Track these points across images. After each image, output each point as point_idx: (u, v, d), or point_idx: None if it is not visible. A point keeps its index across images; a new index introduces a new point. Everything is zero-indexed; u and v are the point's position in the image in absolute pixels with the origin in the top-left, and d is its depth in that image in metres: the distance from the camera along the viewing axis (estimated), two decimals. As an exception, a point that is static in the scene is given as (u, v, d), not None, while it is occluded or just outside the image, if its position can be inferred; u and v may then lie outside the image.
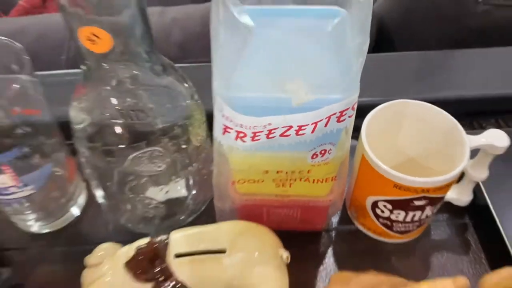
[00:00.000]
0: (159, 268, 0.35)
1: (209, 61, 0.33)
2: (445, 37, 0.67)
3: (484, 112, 0.58)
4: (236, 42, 0.29)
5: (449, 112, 0.53)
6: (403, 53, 0.64)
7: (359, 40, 0.30)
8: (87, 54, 0.34)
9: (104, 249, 0.37)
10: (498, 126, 0.58)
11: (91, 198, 0.51)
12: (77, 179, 0.50)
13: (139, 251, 0.35)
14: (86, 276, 0.37)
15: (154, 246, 0.35)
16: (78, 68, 0.36)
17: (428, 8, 0.66)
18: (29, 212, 0.48)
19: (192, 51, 0.75)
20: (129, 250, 0.36)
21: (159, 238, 0.36)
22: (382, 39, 0.74)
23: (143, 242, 0.36)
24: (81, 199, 0.51)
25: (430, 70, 0.59)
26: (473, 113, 0.58)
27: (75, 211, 0.50)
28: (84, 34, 0.31)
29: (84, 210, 0.51)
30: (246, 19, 0.28)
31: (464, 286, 0.34)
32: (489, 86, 0.58)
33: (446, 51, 0.61)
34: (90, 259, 0.37)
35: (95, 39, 0.32)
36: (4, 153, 0.38)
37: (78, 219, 0.50)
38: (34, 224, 0.49)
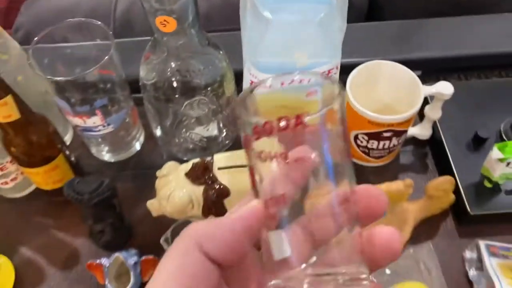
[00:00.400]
0: (208, 176, 0.52)
1: (230, 29, 0.49)
2: (425, 8, 0.82)
3: (448, 69, 0.74)
4: (259, 26, 0.46)
5: (421, 69, 0.69)
6: (385, 22, 0.79)
7: (340, 23, 0.46)
8: (157, 32, 0.50)
9: (169, 165, 0.55)
10: (459, 79, 0.74)
11: (147, 137, 0.68)
12: (138, 123, 0.67)
13: (195, 165, 0.53)
14: (158, 183, 0.55)
15: (205, 162, 0.53)
16: (122, 36, 0.53)
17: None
18: (105, 145, 0.65)
19: (215, 21, 0.91)
20: (187, 165, 0.54)
21: (208, 158, 0.54)
22: (373, 9, 0.89)
23: (196, 160, 0.54)
24: (141, 138, 0.68)
25: (406, 36, 0.74)
26: (439, 70, 0.74)
27: (137, 146, 0.68)
28: (158, 20, 0.48)
29: (143, 146, 0.68)
30: (267, 14, 0.44)
31: (410, 184, 0.52)
32: (452, 48, 0.73)
33: (420, 20, 0.77)
34: (160, 172, 0.55)
35: (166, 24, 0.48)
36: (97, 101, 0.56)
37: (138, 152, 0.68)
38: (106, 155, 0.67)
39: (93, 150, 0.67)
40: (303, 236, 0.23)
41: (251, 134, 0.22)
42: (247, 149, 0.24)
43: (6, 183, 0.60)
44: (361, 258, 0.23)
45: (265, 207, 0.23)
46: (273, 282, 0.23)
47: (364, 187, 0.24)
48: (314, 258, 0.22)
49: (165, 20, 0.48)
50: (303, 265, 0.22)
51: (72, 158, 0.61)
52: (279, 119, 0.21)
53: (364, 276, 0.22)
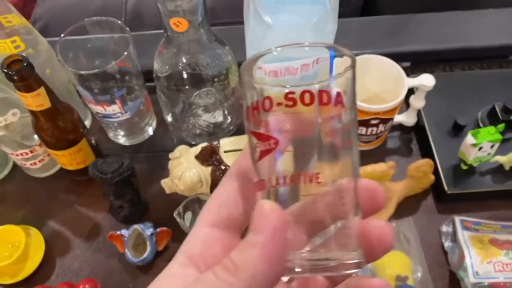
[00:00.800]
0: (215, 158, 0.60)
1: (234, 22, 0.55)
2: (417, 2, 0.88)
3: (435, 60, 0.80)
4: (260, 28, 0.52)
5: (410, 61, 0.75)
6: (377, 17, 0.85)
7: (332, 25, 0.53)
8: (170, 31, 0.57)
9: (181, 148, 0.62)
10: (445, 70, 0.80)
11: (159, 123, 0.75)
12: (151, 111, 0.74)
13: (203, 149, 0.60)
14: (171, 164, 0.62)
15: (212, 146, 0.60)
16: (133, 29, 0.59)
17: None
18: (121, 130, 0.73)
19: (219, 14, 0.97)
20: (197, 148, 0.61)
21: (215, 142, 0.61)
22: (368, 3, 0.95)
23: (204, 144, 0.61)
24: (154, 124, 0.75)
25: (396, 30, 0.80)
26: (427, 61, 0.80)
27: (150, 131, 0.75)
28: (172, 21, 0.54)
29: (155, 131, 0.75)
30: (267, 19, 0.51)
31: (392, 166, 0.59)
32: (438, 42, 0.80)
33: (410, 15, 0.83)
34: (173, 155, 0.62)
35: (179, 24, 0.55)
36: (116, 91, 0.62)
37: (151, 136, 0.75)
38: (122, 138, 0.74)
39: (110, 135, 0.74)
40: (299, 222, 0.23)
41: (256, 101, 0.23)
42: (249, 118, 0.24)
43: (35, 163, 0.67)
44: (357, 245, 0.23)
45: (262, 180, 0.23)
46: None
47: (363, 182, 0.25)
48: (310, 244, 0.23)
49: (178, 21, 0.54)
50: (299, 251, 0.23)
51: (93, 141, 0.68)
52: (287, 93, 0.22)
53: (355, 261, 0.22)
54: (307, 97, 0.22)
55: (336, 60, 0.24)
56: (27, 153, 0.65)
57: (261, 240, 0.21)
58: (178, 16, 0.54)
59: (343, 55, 0.23)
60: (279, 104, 0.22)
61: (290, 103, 0.22)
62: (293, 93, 0.22)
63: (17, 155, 0.65)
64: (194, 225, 0.26)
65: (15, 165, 0.72)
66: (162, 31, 0.78)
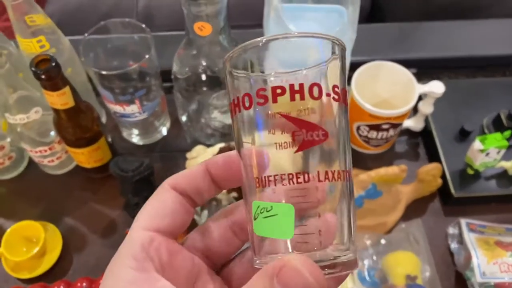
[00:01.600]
0: (232, 159, 0.61)
1: (248, 25, 0.56)
2: (422, 10, 0.91)
3: (440, 68, 0.83)
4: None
5: (416, 68, 0.78)
6: (385, 24, 0.88)
7: (351, 35, 0.55)
8: (193, 34, 0.58)
9: (198, 149, 0.64)
10: (449, 78, 0.83)
11: (173, 123, 0.77)
12: (166, 111, 0.75)
13: (221, 149, 0.62)
14: (188, 164, 0.64)
15: (230, 146, 0.62)
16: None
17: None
18: (136, 129, 0.74)
19: (233, 16, 0.98)
20: (214, 149, 0.63)
21: (232, 143, 0.63)
22: (375, 10, 0.97)
23: (221, 145, 0.63)
24: (168, 124, 0.77)
25: (403, 37, 0.83)
26: (433, 68, 0.83)
27: (164, 131, 0.77)
28: (197, 26, 0.56)
29: (169, 131, 0.77)
30: (292, 27, 0.53)
31: (404, 169, 0.61)
32: (444, 50, 0.82)
33: (417, 23, 0.85)
34: (190, 154, 0.64)
35: (202, 28, 0.56)
36: (137, 91, 0.64)
37: (165, 136, 0.77)
38: (135, 137, 0.76)
39: (124, 134, 0.76)
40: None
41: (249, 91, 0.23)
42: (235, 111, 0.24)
43: (52, 161, 0.68)
44: (342, 236, 0.24)
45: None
46: (257, 261, 0.24)
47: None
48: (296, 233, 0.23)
49: (202, 26, 0.56)
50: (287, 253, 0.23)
51: (109, 140, 0.69)
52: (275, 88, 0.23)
53: (351, 260, 0.23)
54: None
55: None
56: (46, 150, 0.66)
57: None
58: (202, 20, 0.56)
59: (334, 44, 0.24)
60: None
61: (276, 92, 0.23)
62: (264, 90, 0.23)
63: (36, 152, 0.66)
64: (131, 230, 0.26)
65: (30, 162, 0.73)
66: (174, 32, 0.80)
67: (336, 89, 0.23)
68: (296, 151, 0.23)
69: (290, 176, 0.23)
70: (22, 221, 0.64)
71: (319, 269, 0.21)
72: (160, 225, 0.26)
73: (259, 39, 0.23)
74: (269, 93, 0.23)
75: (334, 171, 0.23)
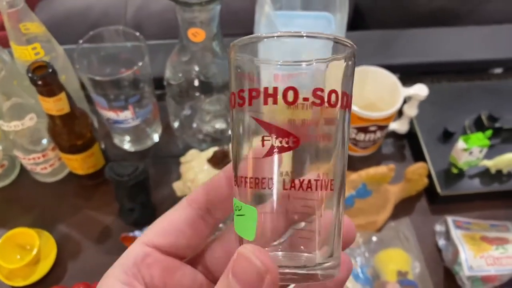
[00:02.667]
0: (226, 162, 0.63)
1: (238, 33, 0.59)
2: (400, 19, 0.94)
3: (423, 73, 0.86)
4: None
5: (400, 73, 0.80)
6: (369, 31, 0.91)
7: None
8: (186, 40, 0.60)
9: (192, 153, 0.65)
10: (432, 82, 0.86)
11: (165, 130, 0.78)
12: (158, 117, 0.76)
13: (215, 153, 0.63)
14: (183, 168, 0.65)
15: (224, 150, 0.63)
16: None
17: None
18: (128, 136, 0.75)
19: (228, 25, 1.00)
20: (208, 152, 0.64)
21: (226, 147, 0.64)
22: (358, 18, 1.01)
23: (215, 148, 0.64)
24: (159, 130, 0.78)
25: (387, 44, 0.86)
26: (415, 73, 0.86)
27: (156, 138, 0.77)
28: (191, 32, 0.58)
29: (161, 138, 0.78)
30: (282, 28, 0.55)
31: (393, 168, 0.64)
32: (426, 56, 0.86)
33: (400, 30, 0.89)
34: (184, 159, 0.65)
35: (196, 34, 0.58)
36: (131, 97, 0.65)
37: (157, 143, 0.78)
38: (127, 144, 0.76)
39: (116, 140, 0.76)
40: (277, 212, 0.23)
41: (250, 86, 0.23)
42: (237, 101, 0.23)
43: (45, 168, 0.68)
44: (331, 242, 0.23)
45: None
46: None
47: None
48: (286, 235, 0.23)
49: (196, 32, 0.58)
50: (275, 243, 0.23)
51: (103, 146, 0.70)
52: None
53: (334, 267, 0.23)
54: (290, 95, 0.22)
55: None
56: (39, 157, 0.66)
57: None
58: (195, 26, 0.57)
59: (343, 45, 0.23)
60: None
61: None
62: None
63: (29, 159, 0.66)
64: (134, 242, 0.26)
65: (22, 170, 0.73)
66: (164, 41, 0.82)
67: (337, 94, 0.23)
68: (264, 156, 0.23)
69: (278, 179, 0.23)
70: (16, 229, 0.64)
71: (268, 255, 0.21)
72: (162, 242, 0.26)
73: (269, 34, 0.23)
74: (261, 94, 0.22)
75: (325, 180, 0.23)
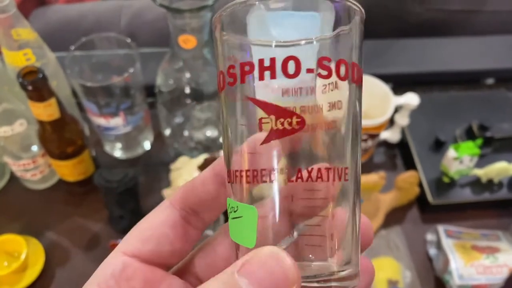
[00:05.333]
0: (217, 169, 0.63)
1: None
2: (392, 29, 0.95)
3: (414, 82, 0.86)
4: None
5: (392, 82, 0.81)
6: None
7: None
8: (177, 47, 0.60)
9: (182, 160, 0.65)
10: (424, 92, 0.86)
11: (156, 138, 0.78)
12: (149, 125, 0.76)
13: (206, 160, 0.63)
14: (173, 175, 0.64)
15: (215, 157, 0.63)
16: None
17: (380, 8, 0.94)
18: (119, 143, 0.74)
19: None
20: (199, 160, 0.64)
21: (216, 154, 0.64)
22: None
23: (206, 156, 0.64)
24: (150, 138, 0.78)
25: (379, 53, 0.87)
26: (407, 83, 0.86)
27: (147, 145, 0.77)
28: (181, 39, 0.58)
29: (152, 145, 0.78)
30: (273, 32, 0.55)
31: (383, 176, 0.63)
32: (418, 66, 0.86)
33: (392, 40, 0.89)
34: (174, 165, 0.65)
35: (187, 41, 0.58)
36: (122, 104, 0.65)
37: (148, 151, 0.77)
38: (118, 151, 0.76)
39: (107, 148, 0.76)
40: (281, 211, 0.20)
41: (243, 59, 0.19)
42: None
43: (35, 174, 0.68)
44: (348, 246, 0.20)
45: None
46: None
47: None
48: (289, 240, 0.20)
49: (187, 39, 0.58)
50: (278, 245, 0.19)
51: (93, 154, 0.70)
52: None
53: (352, 274, 0.19)
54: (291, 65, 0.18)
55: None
56: (29, 164, 0.66)
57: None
58: (186, 33, 0.58)
59: (349, 6, 0.19)
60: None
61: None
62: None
63: (19, 165, 0.66)
64: (112, 251, 0.23)
65: (11, 177, 0.72)
66: (156, 49, 0.82)
67: (347, 66, 0.19)
68: (262, 143, 0.19)
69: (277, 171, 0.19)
70: (3, 235, 0.63)
71: (290, 259, 0.17)
72: (141, 250, 0.23)
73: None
74: (255, 68, 0.19)
75: (338, 168, 0.19)
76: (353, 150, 0.20)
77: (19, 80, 0.53)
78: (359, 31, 0.20)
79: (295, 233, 0.20)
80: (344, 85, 0.19)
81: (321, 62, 0.19)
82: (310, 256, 0.19)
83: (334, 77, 0.19)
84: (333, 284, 0.19)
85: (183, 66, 0.63)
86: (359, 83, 0.20)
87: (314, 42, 0.19)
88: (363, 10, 0.20)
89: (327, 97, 0.19)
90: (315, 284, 0.18)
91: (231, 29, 0.20)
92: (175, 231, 0.23)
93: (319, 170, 0.19)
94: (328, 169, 0.19)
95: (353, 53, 0.20)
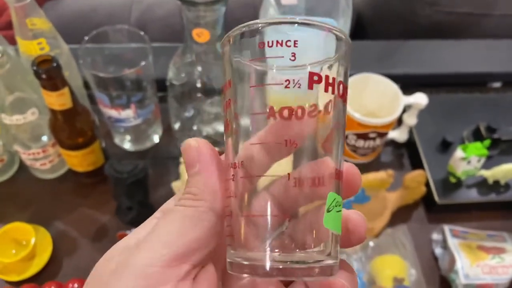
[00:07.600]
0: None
1: None
2: (401, 30, 0.96)
3: (422, 84, 0.87)
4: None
5: (401, 82, 0.81)
6: (370, 42, 0.92)
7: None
8: (190, 41, 0.61)
9: (192, 153, 0.65)
10: (431, 93, 0.87)
11: (165, 132, 0.78)
12: (159, 119, 0.77)
13: (215, 153, 0.63)
14: (182, 168, 0.65)
15: (223, 151, 0.63)
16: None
17: (390, 9, 0.94)
18: (128, 136, 0.75)
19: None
20: (208, 153, 0.64)
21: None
22: (359, 28, 1.02)
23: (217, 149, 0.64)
24: (160, 132, 0.78)
25: (388, 54, 0.87)
26: (415, 84, 0.86)
27: (156, 139, 0.78)
28: (195, 32, 0.58)
29: (161, 139, 0.78)
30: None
31: (392, 174, 0.64)
32: (426, 67, 0.87)
33: (400, 41, 0.90)
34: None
35: (200, 35, 0.59)
36: (133, 96, 0.65)
37: (157, 144, 0.78)
38: (127, 144, 0.76)
39: (116, 140, 0.77)
40: (276, 201, 0.23)
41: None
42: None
43: (45, 164, 0.68)
44: (333, 247, 0.22)
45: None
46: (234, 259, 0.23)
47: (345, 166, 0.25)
48: (275, 234, 0.22)
49: (200, 32, 0.58)
50: (271, 252, 0.22)
51: (103, 145, 0.70)
52: None
53: (331, 265, 0.22)
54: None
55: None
56: (39, 153, 0.66)
57: (200, 167, 0.24)
58: (200, 27, 0.58)
59: (338, 37, 0.23)
60: None
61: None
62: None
63: (29, 154, 0.66)
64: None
65: (21, 166, 0.73)
66: (168, 44, 0.82)
67: (339, 85, 0.23)
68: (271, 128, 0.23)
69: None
70: (12, 223, 0.63)
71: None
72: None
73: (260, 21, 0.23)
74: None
75: (327, 169, 0.23)
76: (339, 151, 0.24)
77: (34, 68, 0.54)
78: (345, 57, 0.23)
79: (285, 225, 0.22)
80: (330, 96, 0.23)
81: (312, 77, 0.22)
82: (295, 246, 0.22)
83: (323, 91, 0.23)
84: (316, 270, 0.22)
85: (195, 60, 0.63)
86: (344, 97, 0.24)
87: (309, 68, 0.22)
88: (349, 40, 0.23)
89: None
90: (297, 266, 0.21)
91: (238, 58, 0.23)
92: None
93: (312, 168, 0.23)
94: (318, 167, 0.23)
95: (340, 74, 0.23)
